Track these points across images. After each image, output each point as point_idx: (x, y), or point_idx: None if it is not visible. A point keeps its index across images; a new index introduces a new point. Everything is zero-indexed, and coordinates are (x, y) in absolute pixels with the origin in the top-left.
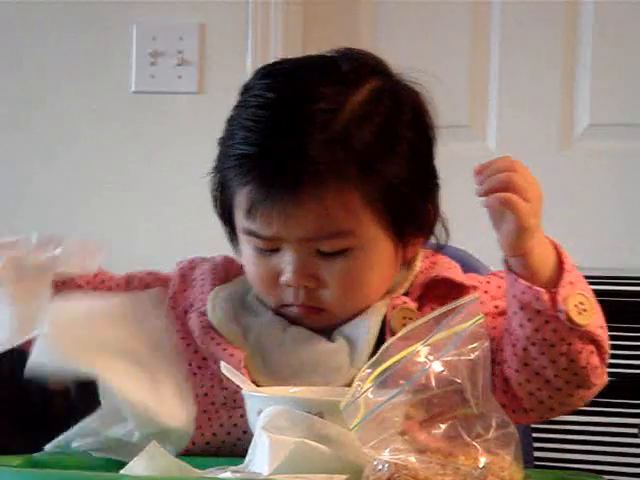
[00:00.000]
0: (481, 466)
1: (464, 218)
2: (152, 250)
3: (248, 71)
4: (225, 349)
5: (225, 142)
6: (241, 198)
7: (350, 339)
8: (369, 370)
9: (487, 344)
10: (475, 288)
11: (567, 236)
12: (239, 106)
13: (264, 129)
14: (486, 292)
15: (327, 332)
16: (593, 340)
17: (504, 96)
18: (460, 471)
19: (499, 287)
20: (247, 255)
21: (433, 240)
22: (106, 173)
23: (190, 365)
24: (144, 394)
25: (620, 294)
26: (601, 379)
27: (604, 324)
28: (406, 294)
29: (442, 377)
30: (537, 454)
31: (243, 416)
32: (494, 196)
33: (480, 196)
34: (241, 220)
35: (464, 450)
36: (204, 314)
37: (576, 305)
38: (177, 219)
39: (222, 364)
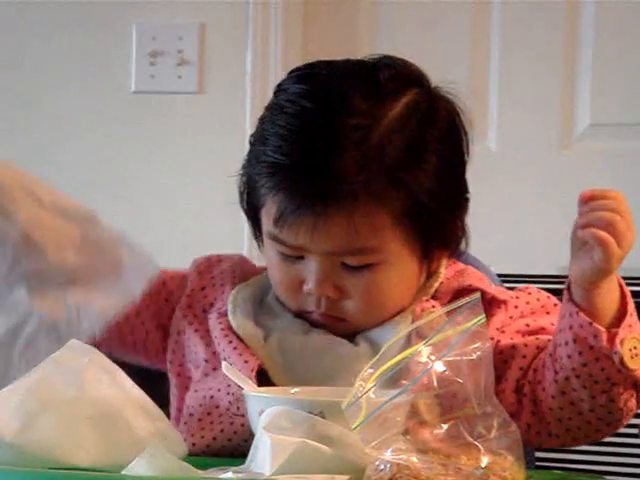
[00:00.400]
0: (483, 466)
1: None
2: (152, 250)
3: (248, 71)
4: (241, 354)
5: (257, 145)
6: (270, 205)
7: (375, 343)
8: (371, 370)
9: (489, 344)
10: (505, 303)
11: (567, 236)
12: (273, 108)
13: (298, 140)
14: (516, 307)
15: (350, 336)
16: (636, 385)
17: (504, 96)
18: (462, 471)
19: (527, 303)
20: (271, 258)
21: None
22: (106, 173)
23: (206, 362)
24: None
25: None
26: (629, 419)
27: None
28: (435, 298)
29: (444, 377)
30: (538, 454)
31: (244, 425)
32: (592, 232)
33: (580, 227)
34: (268, 225)
35: (466, 450)
36: (224, 315)
37: (630, 349)
38: (177, 219)
39: (224, 364)
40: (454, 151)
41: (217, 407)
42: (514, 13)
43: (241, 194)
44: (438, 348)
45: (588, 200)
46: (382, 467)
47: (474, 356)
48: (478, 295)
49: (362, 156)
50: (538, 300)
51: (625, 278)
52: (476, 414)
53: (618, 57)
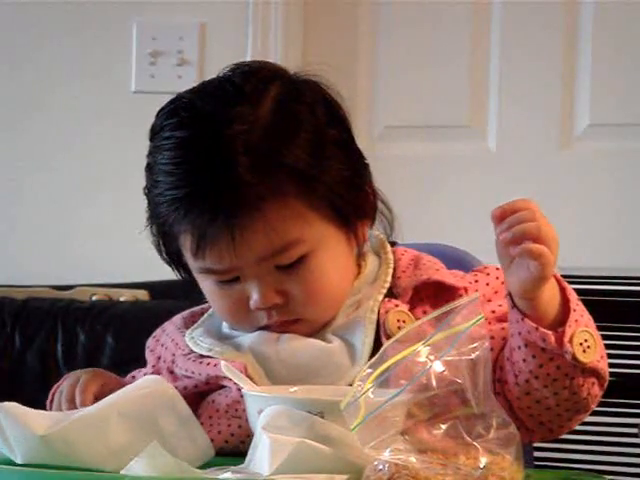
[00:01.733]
0: (482, 466)
1: (463, 216)
2: (152, 249)
3: None
4: (226, 359)
5: (151, 192)
6: (185, 241)
7: (347, 340)
8: (370, 370)
9: (487, 344)
10: (466, 290)
11: (567, 236)
12: (153, 152)
13: (187, 169)
14: (477, 291)
15: (320, 335)
16: (595, 373)
17: (504, 96)
18: (461, 471)
19: (487, 284)
20: (209, 290)
21: (383, 231)
22: (106, 173)
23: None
24: None
25: (620, 294)
26: (597, 403)
27: (604, 353)
28: (396, 297)
29: (443, 377)
30: (537, 454)
31: (241, 427)
32: (524, 247)
33: (506, 244)
34: (191, 260)
35: (465, 450)
36: (190, 353)
37: (581, 343)
38: None
39: (222, 363)
40: (341, 127)
41: (217, 410)
42: (514, 13)
43: (157, 247)
44: (437, 348)
45: (501, 218)
46: (381, 467)
47: (473, 356)
48: (477, 295)
49: (252, 159)
50: (497, 278)
51: (625, 278)
52: (475, 414)
53: (617, 57)
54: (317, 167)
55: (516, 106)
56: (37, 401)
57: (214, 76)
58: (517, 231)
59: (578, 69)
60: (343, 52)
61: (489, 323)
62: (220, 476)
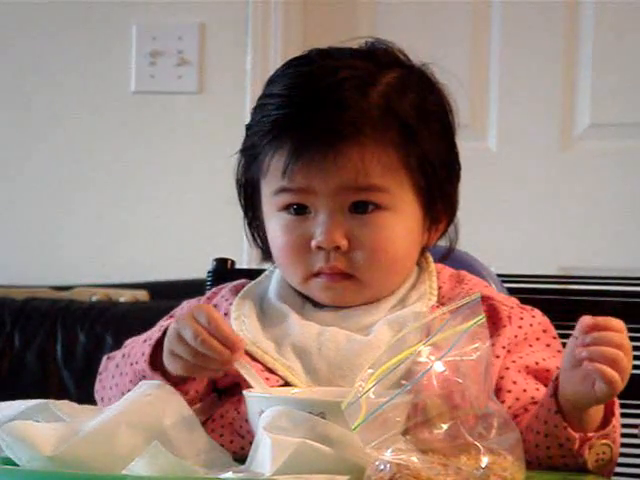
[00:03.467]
0: (483, 466)
1: (464, 218)
2: (152, 249)
3: (248, 71)
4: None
5: (256, 115)
6: (277, 158)
7: (392, 327)
8: (371, 370)
9: (488, 344)
10: (509, 319)
11: (567, 236)
12: (269, 84)
13: (301, 93)
14: (520, 327)
15: (362, 329)
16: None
17: (504, 96)
18: (462, 471)
19: (531, 325)
20: (275, 225)
21: (444, 241)
22: (106, 173)
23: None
24: None
25: (620, 294)
26: None
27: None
28: (443, 305)
29: (444, 377)
30: None
31: (244, 448)
32: (600, 369)
33: (583, 359)
34: (271, 184)
35: (466, 450)
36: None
37: (598, 454)
38: (177, 218)
39: (235, 363)
40: (449, 121)
41: (222, 427)
42: (514, 13)
43: (239, 180)
44: (438, 348)
45: (591, 330)
46: (382, 467)
47: (474, 356)
48: (478, 295)
49: (367, 99)
50: (540, 324)
51: (625, 278)
52: (476, 414)
53: (618, 57)
54: (421, 129)
55: (516, 106)
56: None
57: (213, 77)
58: (599, 352)
59: (578, 69)
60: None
61: (527, 373)
62: (222, 476)
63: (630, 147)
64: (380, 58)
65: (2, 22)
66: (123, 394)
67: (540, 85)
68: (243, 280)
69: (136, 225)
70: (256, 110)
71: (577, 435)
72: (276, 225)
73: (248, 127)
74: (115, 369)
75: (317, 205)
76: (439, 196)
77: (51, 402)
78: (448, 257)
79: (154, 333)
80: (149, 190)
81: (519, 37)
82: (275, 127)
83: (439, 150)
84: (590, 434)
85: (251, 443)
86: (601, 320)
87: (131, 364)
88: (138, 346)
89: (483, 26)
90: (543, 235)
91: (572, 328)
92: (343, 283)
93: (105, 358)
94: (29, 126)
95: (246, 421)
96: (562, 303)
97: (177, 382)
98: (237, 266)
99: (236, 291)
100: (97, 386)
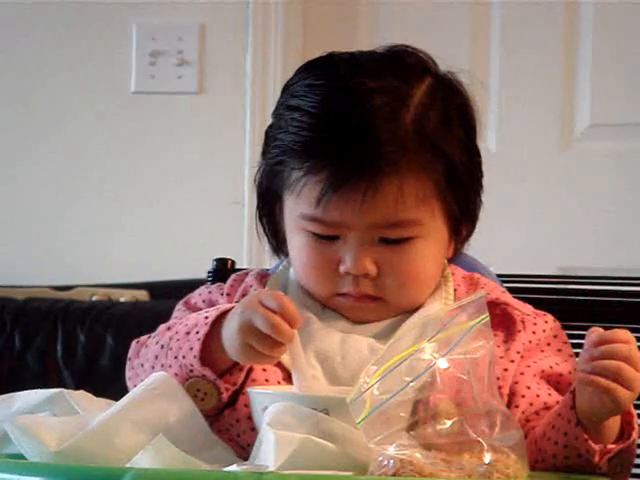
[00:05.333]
0: (486, 463)
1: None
2: (152, 249)
3: (248, 71)
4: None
5: (279, 130)
6: (310, 185)
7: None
8: (375, 367)
9: (492, 343)
10: (523, 323)
11: (567, 236)
12: (295, 92)
13: (334, 118)
14: (534, 333)
15: (383, 336)
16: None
17: (504, 96)
18: (465, 468)
19: (544, 331)
20: (301, 244)
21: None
22: (106, 173)
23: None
24: None
25: (620, 294)
26: None
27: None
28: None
29: (448, 374)
30: None
31: (245, 449)
32: (603, 384)
33: (588, 373)
34: (303, 208)
35: (469, 447)
36: None
37: (616, 465)
38: (177, 218)
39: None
40: (472, 127)
41: (219, 432)
42: (514, 13)
43: (259, 187)
44: (442, 345)
45: (598, 344)
46: (386, 462)
47: (478, 354)
48: (483, 293)
49: (405, 125)
50: (552, 329)
51: (625, 278)
52: (480, 412)
53: (618, 57)
54: (448, 141)
55: (516, 106)
56: None
57: (213, 77)
58: (602, 365)
59: (578, 69)
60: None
61: (540, 378)
62: (225, 469)
63: (630, 147)
64: (410, 69)
65: (2, 22)
66: None
67: (540, 85)
68: (260, 269)
69: (136, 225)
70: (280, 118)
71: (597, 447)
72: (301, 243)
73: (272, 136)
74: (155, 360)
75: (348, 234)
76: (466, 212)
77: (67, 392)
78: (456, 259)
79: (199, 325)
80: (149, 190)
81: (519, 37)
82: (306, 150)
83: (466, 159)
84: (610, 446)
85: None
86: (608, 333)
87: (175, 357)
88: (182, 339)
89: (483, 26)
90: (543, 235)
91: (572, 328)
92: (370, 305)
93: (134, 343)
94: (29, 126)
95: (244, 432)
96: (561, 303)
97: (226, 374)
98: (237, 266)
99: (261, 279)
100: (129, 373)
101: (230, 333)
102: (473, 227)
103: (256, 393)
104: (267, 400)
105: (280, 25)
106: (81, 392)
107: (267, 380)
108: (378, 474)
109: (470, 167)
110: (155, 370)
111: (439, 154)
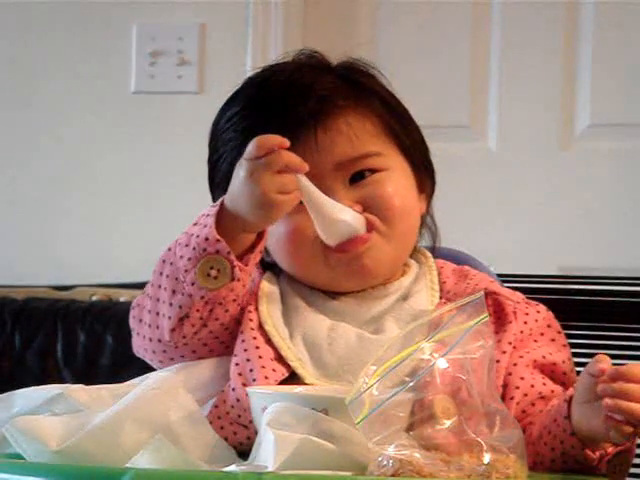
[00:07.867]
0: (485, 463)
1: (463, 217)
2: (152, 249)
3: (248, 71)
4: (264, 366)
5: (221, 158)
6: None
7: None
8: (374, 367)
9: (492, 342)
10: (515, 314)
11: (567, 236)
12: (221, 133)
13: (261, 94)
14: (525, 323)
15: (372, 321)
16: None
17: (504, 96)
18: (464, 468)
19: (536, 321)
20: (280, 225)
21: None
22: (106, 173)
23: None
24: None
25: (620, 294)
26: None
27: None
28: (449, 301)
29: (447, 374)
30: None
31: (250, 438)
32: (617, 428)
33: (605, 396)
34: None
35: (469, 447)
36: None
37: (615, 465)
38: (177, 219)
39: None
40: (390, 91)
41: (219, 418)
42: (514, 13)
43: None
44: (441, 345)
45: (615, 379)
46: (385, 462)
47: (477, 354)
48: (482, 293)
49: (333, 76)
50: (544, 319)
51: (625, 278)
52: (479, 412)
53: (618, 57)
54: (398, 102)
55: (516, 106)
56: None
57: (213, 77)
58: (623, 408)
59: (578, 69)
60: (343, 53)
61: (533, 367)
62: (225, 469)
63: (630, 147)
64: (321, 60)
65: (2, 22)
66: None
67: (540, 85)
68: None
69: (136, 225)
70: (215, 152)
71: (596, 455)
72: (278, 226)
73: (216, 168)
74: (159, 277)
75: (321, 188)
76: (421, 157)
77: (66, 389)
78: (435, 253)
79: (204, 215)
80: (149, 190)
81: (519, 37)
82: (252, 131)
83: (393, 99)
84: (609, 449)
85: (256, 433)
86: (625, 370)
87: (187, 245)
88: (190, 229)
89: (483, 26)
90: (543, 235)
91: (571, 328)
92: (362, 250)
93: (135, 302)
94: (29, 126)
95: (245, 410)
96: (562, 303)
97: (240, 251)
98: None
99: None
100: (134, 311)
101: (239, 190)
102: (433, 184)
103: (256, 393)
104: (267, 400)
105: (280, 25)
106: (80, 386)
107: (267, 377)
108: (377, 474)
109: (401, 105)
110: (161, 290)
111: (370, 92)
